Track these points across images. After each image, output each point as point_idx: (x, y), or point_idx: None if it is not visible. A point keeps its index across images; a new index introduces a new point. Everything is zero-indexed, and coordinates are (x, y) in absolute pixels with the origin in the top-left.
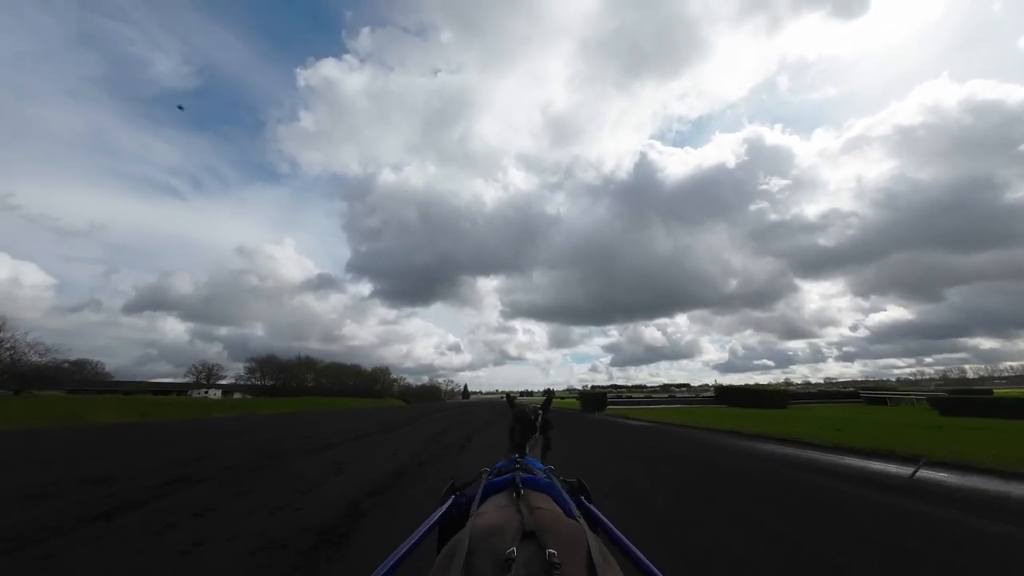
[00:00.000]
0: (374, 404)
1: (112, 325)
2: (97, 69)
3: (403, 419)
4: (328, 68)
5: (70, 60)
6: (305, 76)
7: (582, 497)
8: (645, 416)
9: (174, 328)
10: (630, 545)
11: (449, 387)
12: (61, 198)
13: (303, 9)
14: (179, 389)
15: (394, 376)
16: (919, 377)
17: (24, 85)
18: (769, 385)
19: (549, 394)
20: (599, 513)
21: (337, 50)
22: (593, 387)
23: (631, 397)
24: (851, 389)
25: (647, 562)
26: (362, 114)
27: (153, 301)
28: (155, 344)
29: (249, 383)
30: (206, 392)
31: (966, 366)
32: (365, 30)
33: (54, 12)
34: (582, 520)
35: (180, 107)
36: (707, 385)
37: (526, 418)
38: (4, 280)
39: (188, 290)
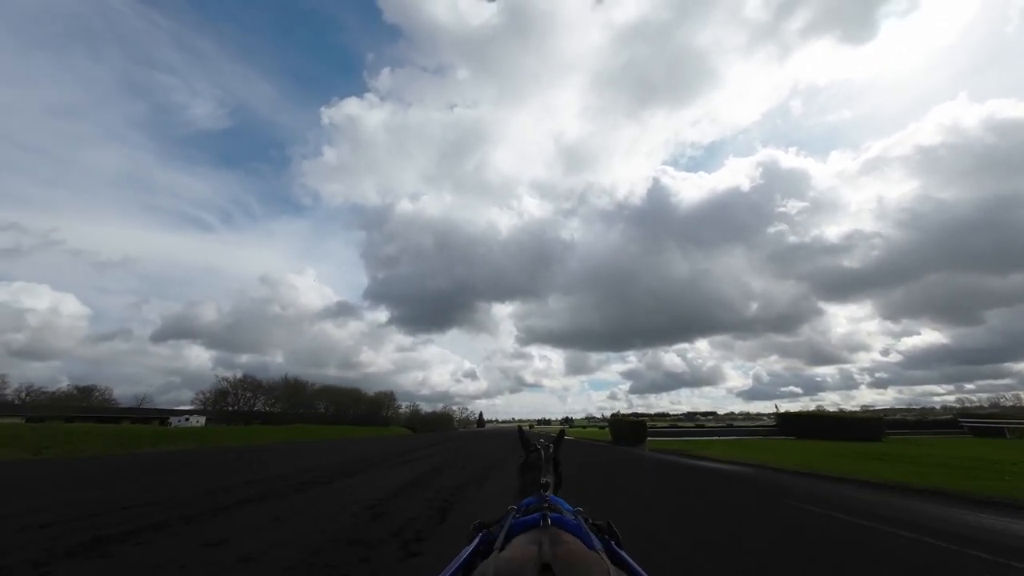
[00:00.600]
0: (376, 433)
1: (140, 353)
2: (139, 114)
3: (378, 457)
4: (350, 106)
5: (115, 106)
6: (329, 114)
7: (612, 542)
8: (712, 453)
9: (199, 356)
10: None
11: (464, 414)
12: (100, 232)
13: (327, 53)
14: (163, 417)
15: (399, 402)
16: (966, 405)
17: (72, 129)
18: (856, 412)
19: (561, 432)
20: (629, 558)
21: (359, 89)
22: (614, 415)
23: (655, 426)
24: (949, 416)
25: None
26: (382, 148)
27: (179, 330)
28: (179, 372)
29: (232, 409)
30: (187, 420)
31: (1021, 392)
32: (385, 70)
33: (105, 65)
34: (603, 555)
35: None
36: (733, 413)
37: (535, 460)
38: (44, 311)
39: (212, 318)
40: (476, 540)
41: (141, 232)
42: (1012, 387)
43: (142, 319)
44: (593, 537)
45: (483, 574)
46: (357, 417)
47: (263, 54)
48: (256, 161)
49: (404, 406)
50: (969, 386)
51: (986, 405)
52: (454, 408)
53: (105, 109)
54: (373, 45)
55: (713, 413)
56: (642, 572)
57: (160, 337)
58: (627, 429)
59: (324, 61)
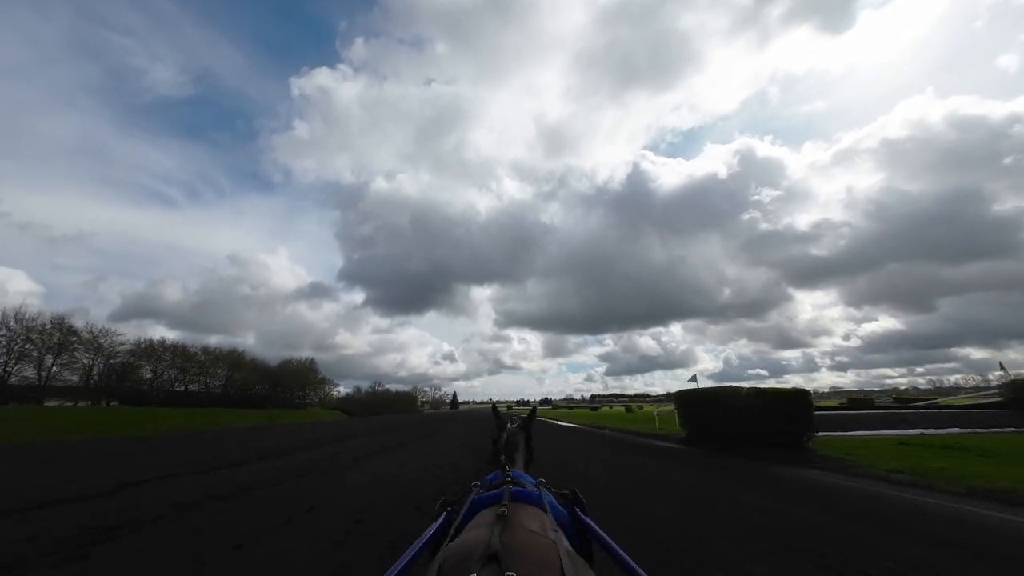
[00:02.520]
0: (267, 419)
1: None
2: (93, 78)
3: None
4: (322, 77)
5: (66, 69)
6: (299, 85)
7: (577, 509)
8: None
9: (164, 337)
10: (626, 557)
11: (437, 395)
12: (52, 205)
13: (298, 19)
14: None
15: (331, 377)
16: (916, 387)
17: (18, 94)
18: None
19: (533, 409)
20: (594, 525)
21: (331, 59)
22: (691, 389)
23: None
24: None
25: (644, 574)
26: (355, 123)
27: (140, 309)
28: None
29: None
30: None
31: (990, 375)
32: (359, 40)
33: (53, 23)
34: (560, 535)
35: None
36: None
37: (509, 438)
38: None
39: (178, 298)
40: (441, 518)
41: (98, 206)
42: (957, 370)
43: (99, 298)
44: (557, 507)
45: (433, 567)
46: (234, 396)
47: (229, 17)
48: (223, 133)
49: (345, 385)
50: (919, 369)
51: (931, 387)
52: (426, 389)
53: (54, 71)
54: (346, 13)
55: None
56: (607, 539)
57: (120, 317)
58: (750, 414)
59: (294, 27)
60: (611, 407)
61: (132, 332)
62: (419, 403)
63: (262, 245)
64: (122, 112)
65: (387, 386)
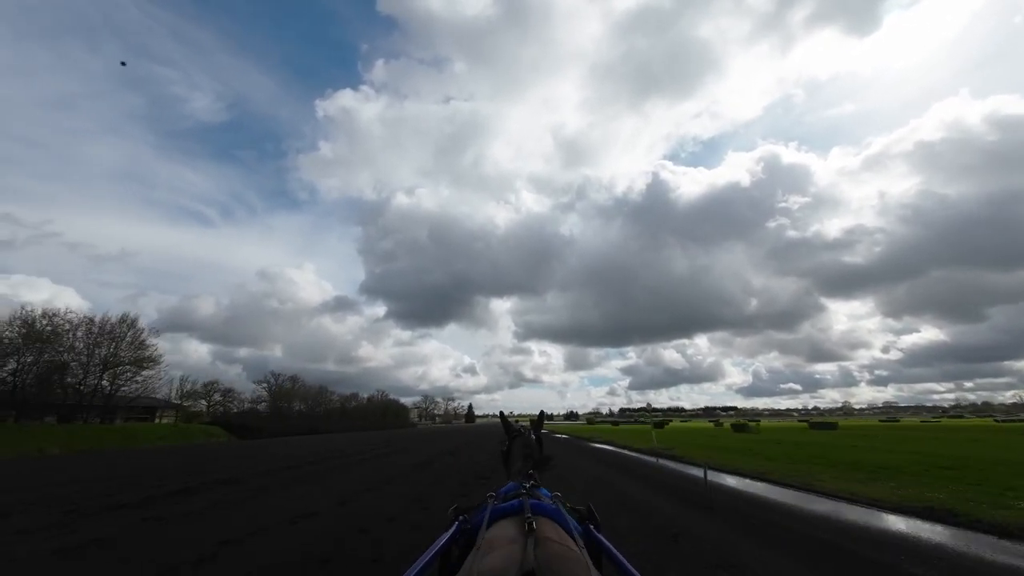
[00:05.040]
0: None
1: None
2: (138, 107)
3: None
4: (345, 99)
5: (113, 99)
6: (324, 107)
7: (591, 526)
8: None
9: (196, 349)
10: None
11: (451, 407)
12: (97, 226)
13: (323, 44)
14: None
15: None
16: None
17: (71, 123)
18: None
19: (541, 414)
20: (607, 542)
21: (354, 81)
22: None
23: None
24: None
25: None
26: (377, 141)
27: (175, 323)
28: (179, 365)
29: None
30: None
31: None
32: (380, 62)
33: (102, 57)
34: (584, 552)
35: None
36: (754, 408)
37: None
38: (44, 302)
39: (210, 312)
40: (454, 527)
41: (139, 226)
42: (1012, 385)
43: (138, 312)
44: (573, 522)
45: None
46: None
47: (259, 46)
48: (254, 155)
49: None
50: (968, 384)
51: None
52: (439, 400)
53: (103, 102)
54: (367, 36)
55: (735, 408)
56: (619, 556)
57: (156, 330)
58: None
59: (318, 52)
60: (667, 423)
61: (169, 345)
62: (421, 417)
63: (290, 261)
64: (164, 138)
65: (389, 394)
